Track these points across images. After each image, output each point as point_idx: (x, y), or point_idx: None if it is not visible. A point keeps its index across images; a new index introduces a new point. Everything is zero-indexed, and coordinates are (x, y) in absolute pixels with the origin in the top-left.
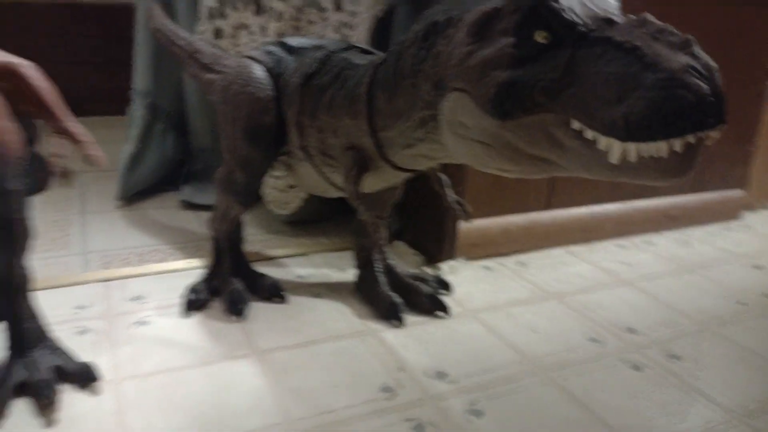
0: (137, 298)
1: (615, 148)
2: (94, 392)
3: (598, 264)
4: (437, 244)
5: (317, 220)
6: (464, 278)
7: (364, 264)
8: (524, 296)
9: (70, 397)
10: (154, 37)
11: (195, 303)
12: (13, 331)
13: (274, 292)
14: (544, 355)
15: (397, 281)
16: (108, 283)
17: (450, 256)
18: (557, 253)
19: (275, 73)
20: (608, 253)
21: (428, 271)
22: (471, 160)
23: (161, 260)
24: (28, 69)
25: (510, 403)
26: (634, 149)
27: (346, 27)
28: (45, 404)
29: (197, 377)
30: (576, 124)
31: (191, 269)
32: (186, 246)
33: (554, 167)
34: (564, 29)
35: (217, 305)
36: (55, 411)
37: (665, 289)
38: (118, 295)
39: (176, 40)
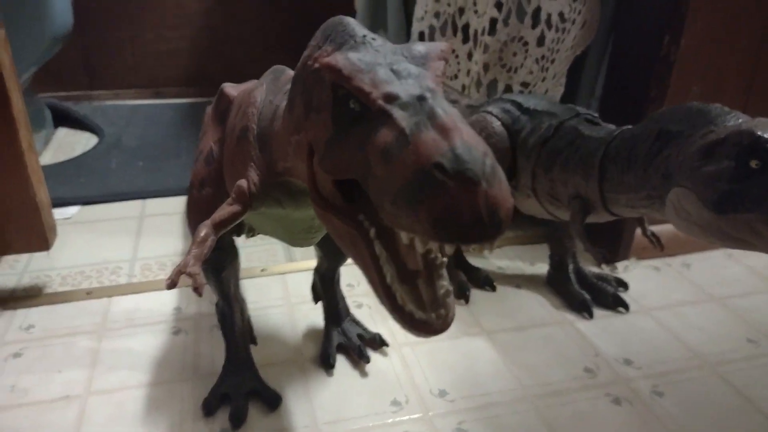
0: None
1: None
2: (384, 354)
3: (754, 268)
4: (614, 247)
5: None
6: (636, 277)
7: (558, 265)
8: (689, 298)
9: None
10: None
11: None
12: (330, 308)
13: (487, 282)
14: (710, 353)
15: (584, 280)
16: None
17: (624, 257)
18: (717, 255)
19: (512, 130)
20: (762, 259)
21: (606, 269)
22: (686, 232)
23: None
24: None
25: (684, 390)
26: None
27: (546, 61)
28: (359, 360)
29: (448, 348)
30: None
31: None
32: None
33: (750, 245)
34: None
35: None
36: (365, 365)
37: None
38: None
39: None
